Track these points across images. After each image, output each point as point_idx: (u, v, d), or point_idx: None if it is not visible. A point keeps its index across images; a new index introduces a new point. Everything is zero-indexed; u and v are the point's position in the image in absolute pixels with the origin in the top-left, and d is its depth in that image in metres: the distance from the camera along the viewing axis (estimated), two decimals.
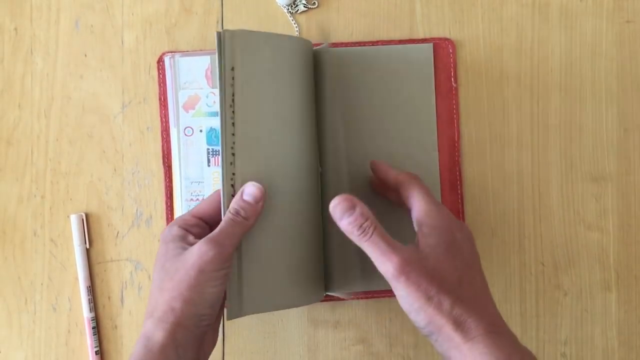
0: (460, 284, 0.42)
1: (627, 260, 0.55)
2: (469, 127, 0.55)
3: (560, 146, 0.55)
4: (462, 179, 0.54)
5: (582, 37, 0.55)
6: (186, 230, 0.45)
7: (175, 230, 0.45)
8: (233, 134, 0.45)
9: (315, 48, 0.52)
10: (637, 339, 0.54)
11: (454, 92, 0.54)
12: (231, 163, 0.45)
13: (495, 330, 0.41)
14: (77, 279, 0.54)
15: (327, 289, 0.51)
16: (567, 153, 0.55)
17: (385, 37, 0.55)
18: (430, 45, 0.54)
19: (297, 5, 0.55)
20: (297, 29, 0.55)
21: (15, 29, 0.55)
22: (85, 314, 0.54)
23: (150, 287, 0.45)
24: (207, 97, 0.53)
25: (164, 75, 0.54)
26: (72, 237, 0.54)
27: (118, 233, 0.54)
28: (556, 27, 0.55)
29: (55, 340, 0.54)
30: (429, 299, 0.41)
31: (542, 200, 0.55)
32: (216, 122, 0.53)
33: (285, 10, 0.55)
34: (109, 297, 0.54)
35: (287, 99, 0.48)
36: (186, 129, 0.53)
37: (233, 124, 0.45)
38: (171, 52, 0.54)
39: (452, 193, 0.54)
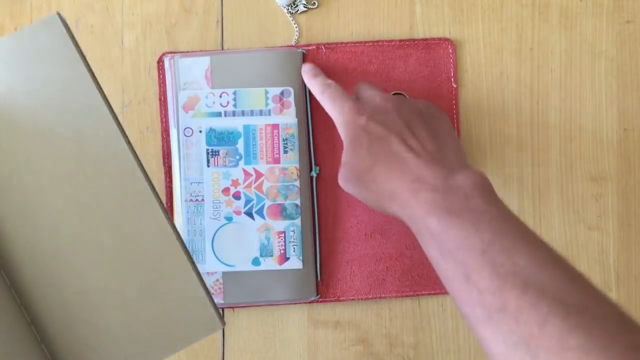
0: (370, 169, 0.44)
1: (627, 261, 0.55)
2: (468, 127, 0.55)
3: (560, 146, 0.55)
4: None
5: (582, 37, 0.55)
6: None
7: None
8: None
9: None
10: None
11: (453, 93, 0.54)
12: None
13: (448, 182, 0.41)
14: None
15: None
16: (567, 153, 0.55)
17: (385, 37, 0.55)
18: (56, 16, 0.39)
19: (297, 6, 0.55)
20: (297, 29, 0.55)
21: (15, 29, 0.55)
22: None
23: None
24: (206, 97, 0.53)
25: (163, 76, 0.54)
26: None
27: None
28: (556, 27, 0.55)
29: None
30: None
31: (542, 200, 0.55)
32: (216, 123, 0.53)
33: (285, 11, 0.55)
34: None
35: None
36: (186, 130, 0.53)
37: None
38: (171, 52, 0.54)
39: None
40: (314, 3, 0.55)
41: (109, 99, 0.55)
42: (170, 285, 0.38)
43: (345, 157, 0.46)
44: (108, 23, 0.55)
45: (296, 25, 0.55)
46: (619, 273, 0.55)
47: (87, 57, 0.55)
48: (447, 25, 0.55)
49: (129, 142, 0.38)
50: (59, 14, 0.37)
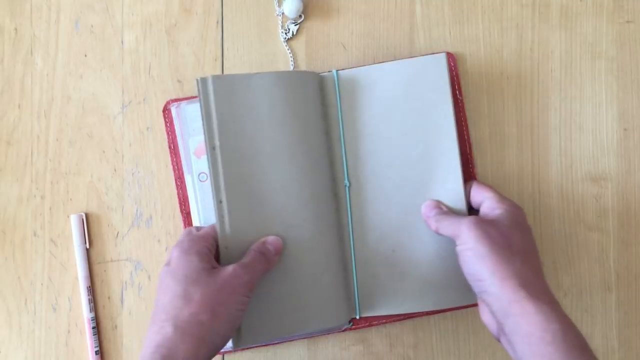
0: (524, 254, 0.43)
1: (627, 260, 0.55)
2: (469, 127, 0.55)
3: (560, 146, 0.55)
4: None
5: (582, 37, 0.55)
6: (209, 250, 0.47)
7: (201, 246, 0.46)
8: (219, 174, 0.48)
9: (320, 75, 0.52)
10: (637, 339, 0.54)
11: (460, 104, 0.54)
12: (220, 201, 0.48)
13: (555, 303, 0.41)
14: (77, 279, 0.54)
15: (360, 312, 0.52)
16: (567, 153, 0.55)
17: (385, 37, 0.55)
18: (443, 54, 0.51)
19: (289, 31, 0.55)
20: (292, 59, 0.54)
21: (15, 29, 0.55)
22: (85, 314, 0.54)
23: (161, 290, 0.45)
24: None
25: (171, 124, 0.53)
26: (72, 237, 0.54)
27: (118, 233, 0.54)
28: (556, 27, 0.55)
29: (55, 340, 0.54)
30: (498, 248, 0.42)
31: (542, 200, 0.55)
32: None
33: (283, 40, 0.54)
34: (108, 297, 0.54)
35: (273, 135, 0.49)
36: (200, 175, 0.53)
37: (218, 165, 0.48)
38: (176, 100, 0.53)
39: None
40: (301, 16, 0.55)
41: (109, 98, 0.55)
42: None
43: (497, 219, 0.46)
44: (108, 23, 0.55)
45: (291, 53, 0.55)
46: (619, 273, 0.55)
47: (87, 57, 0.55)
48: (447, 25, 0.55)
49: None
50: (446, 54, 0.52)
